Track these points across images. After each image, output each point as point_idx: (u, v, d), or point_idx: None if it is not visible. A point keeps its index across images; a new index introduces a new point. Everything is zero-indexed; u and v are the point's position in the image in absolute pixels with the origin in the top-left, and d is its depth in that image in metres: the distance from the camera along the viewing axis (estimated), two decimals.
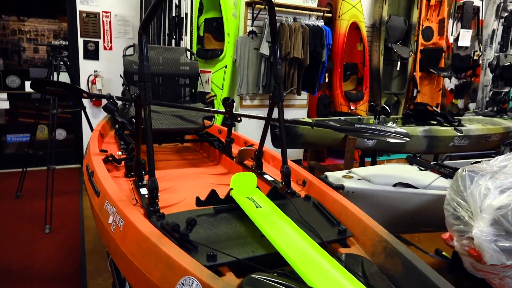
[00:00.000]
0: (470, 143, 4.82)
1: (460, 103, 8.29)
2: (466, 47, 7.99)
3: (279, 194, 1.78)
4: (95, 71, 5.19)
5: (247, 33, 5.19)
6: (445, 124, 4.77)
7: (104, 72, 5.25)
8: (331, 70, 6.28)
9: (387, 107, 4.51)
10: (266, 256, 1.34)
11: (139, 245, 1.32)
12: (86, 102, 4.90)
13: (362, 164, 4.79)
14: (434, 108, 4.83)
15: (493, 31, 8.46)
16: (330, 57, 5.95)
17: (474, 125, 5.13)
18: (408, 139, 2.56)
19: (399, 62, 6.97)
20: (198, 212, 1.60)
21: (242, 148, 2.47)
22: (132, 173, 2.12)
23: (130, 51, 3.24)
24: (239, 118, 2.72)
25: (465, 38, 7.89)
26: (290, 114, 5.75)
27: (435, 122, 4.89)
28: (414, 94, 7.25)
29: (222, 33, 5.24)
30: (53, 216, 3.68)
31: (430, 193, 2.65)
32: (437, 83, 7.66)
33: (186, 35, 5.12)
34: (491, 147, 5.13)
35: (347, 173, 2.85)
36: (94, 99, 5.20)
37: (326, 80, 6.23)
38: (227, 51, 5.24)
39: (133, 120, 2.53)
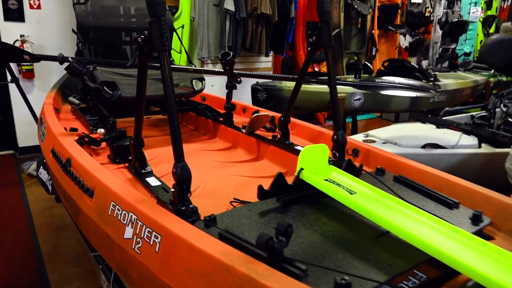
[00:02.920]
0: (447, 99, 4.69)
1: (413, 60, 8.29)
2: (419, 4, 7.91)
3: (354, 170, 1.31)
4: (21, 36, 4.21)
5: None
6: (424, 80, 4.57)
7: (33, 37, 4.28)
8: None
9: (369, 65, 4.18)
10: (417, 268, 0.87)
11: (210, 276, 0.78)
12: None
13: (354, 125, 4.46)
14: (412, 64, 4.59)
15: None
16: None
17: (447, 80, 5.01)
18: (435, 92, 2.21)
19: (359, 20, 6.68)
20: (259, 208, 1.09)
21: (256, 114, 1.94)
22: (123, 158, 1.52)
23: None
24: (239, 79, 2.17)
25: None
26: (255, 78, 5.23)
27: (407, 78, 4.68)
28: (374, 53, 7.05)
29: None
30: None
31: (462, 152, 2.35)
32: (393, 41, 7.53)
33: None
34: (463, 101, 5.07)
35: (365, 136, 2.46)
36: (24, 69, 4.26)
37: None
38: (183, 8, 4.52)
39: (114, 86, 1.90)
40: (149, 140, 2.21)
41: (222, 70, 2.14)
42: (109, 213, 1.09)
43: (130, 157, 1.54)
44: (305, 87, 3.69)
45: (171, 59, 3.07)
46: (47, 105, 2.14)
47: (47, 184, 2.20)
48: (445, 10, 8.25)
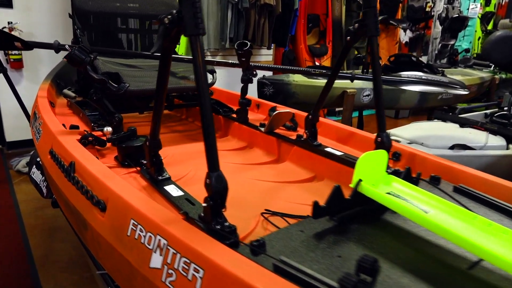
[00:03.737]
0: (455, 96, 4.55)
1: None
2: None
3: (412, 180, 1.13)
4: (9, 23, 3.92)
5: None
6: None
7: (22, 25, 3.99)
8: None
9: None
10: None
11: None
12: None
13: (361, 120, 4.29)
14: (419, 59, 4.43)
15: None
16: None
17: (454, 76, 4.87)
18: (466, 89, 2.05)
19: (361, 13, 6.50)
20: (312, 227, 0.90)
21: (278, 111, 1.75)
22: (133, 161, 1.32)
23: None
24: (255, 72, 1.96)
25: None
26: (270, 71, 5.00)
27: None
28: None
29: None
30: None
31: (491, 154, 2.19)
32: (394, 35, 7.38)
33: None
34: (469, 98, 4.94)
35: None
36: (12, 59, 3.98)
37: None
38: None
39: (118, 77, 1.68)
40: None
41: (237, 62, 1.94)
42: (128, 234, 0.89)
43: (142, 160, 1.34)
44: (311, 81, 3.51)
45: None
46: (41, 98, 1.91)
47: (40, 185, 1.98)
48: (445, 5, 8.13)
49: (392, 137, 2.26)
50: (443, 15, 8.06)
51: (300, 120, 1.89)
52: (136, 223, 0.87)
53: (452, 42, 8.00)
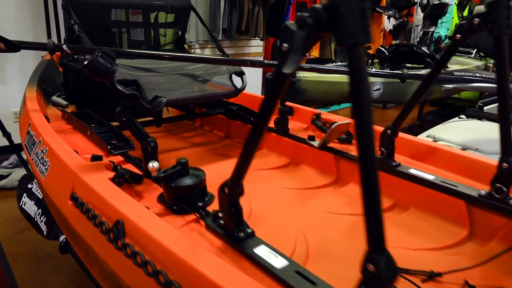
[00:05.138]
0: (456, 88, 4.41)
1: None
2: None
3: None
4: None
5: None
6: None
7: None
8: None
9: (384, 50, 3.78)
10: None
11: None
12: None
13: None
14: (422, 49, 4.24)
15: None
16: None
17: (453, 66, 4.73)
18: None
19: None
20: None
21: (338, 123, 1.44)
22: (189, 205, 0.98)
23: None
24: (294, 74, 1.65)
25: None
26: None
27: (417, 65, 4.33)
28: None
29: None
30: None
31: None
32: (378, 23, 7.21)
33: None
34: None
35: (431, 139, 2.05)
36: None
37: None
38: None
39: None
40: (174, 154, 1.66)
41: (274, 62, 1.61)
42: None
43: (199, 203, 1.01)
44: (322, 77, 3.22)
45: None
46: (34, 113, 1.51)
47: (37, 221, 1.59)
48: None
49: (440, 142, 2.02)
50: (424, 1, 8.01)
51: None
52: None
53: (432, 29, 7.96)
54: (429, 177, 1.22)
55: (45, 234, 1.57)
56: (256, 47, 4.91)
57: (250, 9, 4.12)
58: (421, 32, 8.35)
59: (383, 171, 1.32)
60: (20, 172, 3.17)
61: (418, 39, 8.43)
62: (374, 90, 3.47)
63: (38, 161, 1.24)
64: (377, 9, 6.76)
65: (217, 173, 1.19)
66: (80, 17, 1.73)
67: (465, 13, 9.32)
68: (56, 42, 1.51)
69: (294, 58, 0.56)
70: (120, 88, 1.07)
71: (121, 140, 1.41)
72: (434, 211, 1.18)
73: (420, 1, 8.14)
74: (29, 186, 1.69)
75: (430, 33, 8.25)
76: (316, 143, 1.54)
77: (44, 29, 3.45)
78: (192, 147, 1.82)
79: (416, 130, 5.21)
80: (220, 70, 1.72)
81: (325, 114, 1.76)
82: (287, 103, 1.69)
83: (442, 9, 7.85)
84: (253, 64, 1.54)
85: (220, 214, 0.87)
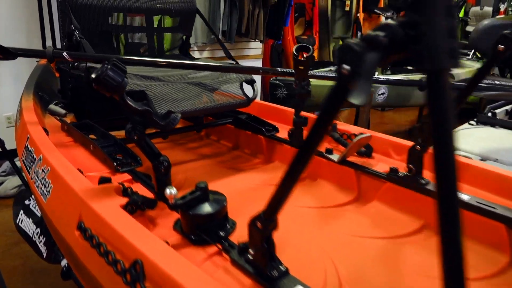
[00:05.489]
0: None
1: None
2: None
3: None
4: None
5: None
6: None
7: None
8: None
9: None
10: None
11: None
12: None
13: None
14: None
15: None
16: None
17: (455, 70, 4.68)
18: None
19: (347, 1, 6.20)
20: None
21: (359, 136, 1.36)
22: (210, 235, 0.89)
23: None
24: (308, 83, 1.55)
25: None
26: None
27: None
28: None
29: None
30: None
31: None
32: (376, 25, 7.16)
33: None
34: None
35: None
36: None
37: None
38: None
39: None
40: (196, 171, 1.56)
41: (291, 70, 1.52)
42: None
43: (220, 232, 0.91)
44: (328, 82, 3.13)
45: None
46: (32, 126, 1.40)
47: (35, 241, 1.48)
48: None
49: (460, 153, 1.94)
50: None
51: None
52: None
53: None
54: (464, 197, 1.14)
55: (44, 257, 1.46)
56: (255, 49, 4.81)
57: (250, 11, 4.03)
58: None
59: (411, 189, 1.24)
60: (13, 181, 3.04)
61: None
62: (378, 95, 3.40)
63: (39, 181, 1.13)
64: (375, 10, 6.71)
65: (229, 189, 1.10)
66: (80, 22, 1.62)
67: (461, 14, 9.32)
68: (51, 41, 1.40)
69: (365, 86, 0.47)
70: (131, 104, 0.96)
71: (127, 155, 1.31)
72: (471, 235, 1.10)
73: None
74: (27, 202, 1.58)
75: None
76: (335, 157, 1.45)
77: (38, 29, 3.32)
78: (199, 160, 1.72)
79: (416, 133, 5.16)
80: (230, 78, 1.63)
81: (340, 124, 1.68)
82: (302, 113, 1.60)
83: None
84: (266, 72, 1.44)
85: (250, 251, 0.78)
